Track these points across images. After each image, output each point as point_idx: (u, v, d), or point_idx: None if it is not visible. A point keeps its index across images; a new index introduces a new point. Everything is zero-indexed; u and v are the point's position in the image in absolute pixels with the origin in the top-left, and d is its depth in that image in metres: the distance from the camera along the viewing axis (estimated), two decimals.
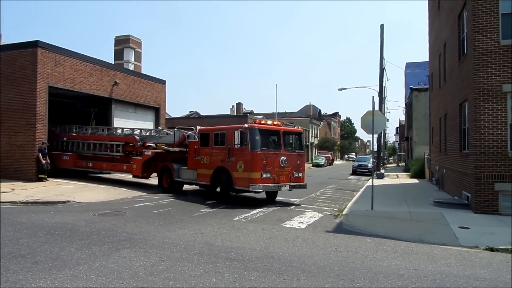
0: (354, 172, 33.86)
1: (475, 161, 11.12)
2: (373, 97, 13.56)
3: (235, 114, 64.26)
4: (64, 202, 12.36)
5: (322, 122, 77.37)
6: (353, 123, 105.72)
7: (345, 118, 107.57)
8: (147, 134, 17.62)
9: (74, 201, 12.53)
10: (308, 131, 62.41)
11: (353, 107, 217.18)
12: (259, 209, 11.79)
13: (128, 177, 19.17)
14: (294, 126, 14.27)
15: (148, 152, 16.11)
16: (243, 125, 12.58)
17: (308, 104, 77.96)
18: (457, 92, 13.75)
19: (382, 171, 30.87)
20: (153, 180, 17.36)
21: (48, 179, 16.99)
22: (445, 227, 9.31)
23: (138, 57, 33.54)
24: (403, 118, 56.85)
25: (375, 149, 33.71)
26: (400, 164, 57.45)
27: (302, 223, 9.84)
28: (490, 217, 10.43)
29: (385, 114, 40.91)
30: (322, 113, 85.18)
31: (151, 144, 16.70)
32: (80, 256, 6.22)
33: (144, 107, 24.33)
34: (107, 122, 21.15)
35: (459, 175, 13.51)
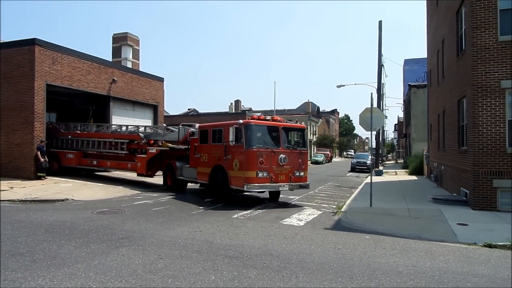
0: (353, 169, 33.90)
1: (474, 158, 11.13)
2: (371, 94, 13.69)
3: (233, 111, 64.22)
4: (62, 200, 12.35)
5: (320, 119, 77.34)
6: (351, 120, 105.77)
7: (343, 115, 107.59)
8: (152, 131, 17.37)
9: (73, 199, 12.52)
10: (307, 128, 62.31)
11: (351, 104, 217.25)
12: (258, 207, 11.79)
13: (128, 175, 19.20)
14: (297, 123, 13.59)
15: (153, 150, 15.84)
16: (238, 121, 12.03)
17: (307, 101, 77.77)
18: (456, 88, 13.75)
19: (380, 168, 30.93)
20: (156, 179, 17.24)
21: (46, 177, 16.96)
22: (443, 224, 9.33)
23: (136, 54, 33.40)
24: (401, 115, 56.89)
25: (374, 146, 33.69)
26: (398, 161, 57.50)
27: (301, 220, 9.85)
28: (489, 213, 10.46)
29: (384, 111, 40.92)
30: (320, 110, 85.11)
31: (157, 142, 16.44)
32: (78, 254, 6.21)
33: (142, 104, 24.29)
34: (105, 120, 21.12)
35: (458, 171, 13.53)
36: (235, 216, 10.14)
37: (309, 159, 51.23)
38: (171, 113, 62.71)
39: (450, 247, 7.32)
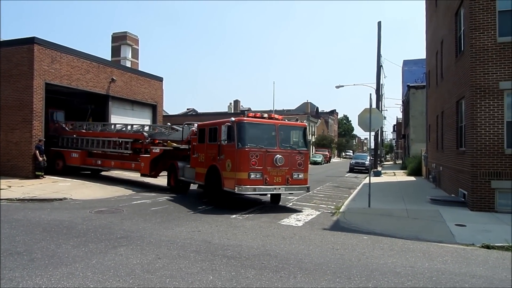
0: (351, 170, 33.92)
1: (472, 159, 11.15)
2: (370, 94, 13.72)
3: (232, 111, 64.22)
4: (61, 199, 12.33)
5: (319, 120, 77.39)
6: (350, 121, 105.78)
7: (342, 115, 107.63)
8: (157, 130, 17.08)
9: (71, 198, 12.50)
10: (307, 127, 62.32)
11: (350, 105, 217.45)
12: (257, 207, 11.79)
13: (132, 175, 18.99)
14: (297, 121, 12.79)
15: (156, 150, 15.47)
16: (230, 118, 11.40)
17: (306, 101, 77.90)
18: (454, 89, 13.77)
19: (379, 168, 30.98)
20: (158, 179, 17.01)
21: (45, 176, 16.94)
22: (441, 225, 9.34)
23: (135, 54, 33.33)
24: (400, 115, 57.00)
25: (372, 146, 33.76)
26: (397, 162, 57.58)
27: (299, 220, 9.85)
28: (487, 214, 10.47)
29: (382, 111, 40.96)
30: (319, 111, 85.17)
31: (162, 141, 16.16)
32: (76, 253, 6.20)
33: (141, 104, 24.28)
34: (104, 119, 21.09)
35: (456, 172, 13.55)
36: (234, 216, 10.14)
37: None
38: (170, 113, 62.70)
39: (448, 248, 7.33)
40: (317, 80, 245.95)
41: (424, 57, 24.67)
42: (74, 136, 19.18)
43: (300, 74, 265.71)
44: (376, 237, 8.06)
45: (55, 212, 9.98)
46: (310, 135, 67.12)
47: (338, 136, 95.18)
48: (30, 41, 17.04)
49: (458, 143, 13.37)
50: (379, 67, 30.76)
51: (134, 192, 14.55)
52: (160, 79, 25.87)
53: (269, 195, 12.46)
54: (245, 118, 11.36)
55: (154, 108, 25.28)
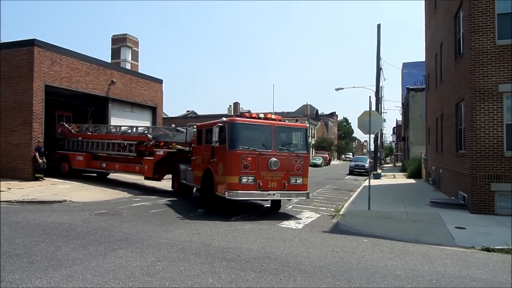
0: (351, 172, 33.93)
1: (471, 161, 11.16)
2: (370, 97, 13.66)
3: (232, 113, 64.22)
4: (60, 201, 12.31)
5: (319, 122, 77.47)
6: (350, 123, 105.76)
7: (342, 118, 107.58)
8: (162, 132, 16.72)
9: (71, 201, 12.49)
10: (308, 128, 62.37)
11: (350, 107, 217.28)
12: (256, 210, 11.78)
13: (132, 177, 18.94)
14: (297, 121, 12.35)
15: (160, 152, 15.15)
16: (222, 118, 10.81)
17: (305, 104, 78.01)
18: (454, 92, 13.79)
19: (379, 171, 30.91)
20: (162, 182, 16.71)
21: (44, 178, 16.92)
22: (441, 227, 9.33)
23: (135, 56, 33.39)
24: (400, 118, 57.03)
25: (372, 149, 33.76)
26: (397, 164, 57.59)
27: (299, 223, 9.84)
28: (487, 217, 10.47)
29: (382, 114, 41.00)
30: (319, 113, 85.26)
31: (167, 143, 15.90)
32: (76, 255, 6.19)
33: (141, 106, 24.30)
34: (104, 121, 21.12)
35: (456, 175, 13.55)
36: (233, 218, 10.13)
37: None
38: (170, 115, 62.73)
39: (448, 250, 7.32)
40: (317, 82, 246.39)
41: (424, 59, 24.72)
42: (80, 138, 19.01)
43: (299, 76, 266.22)
44: (376, 240, 8.05)
45: (55, 214, 9.97)
46: (310, 137, 67.20)
47: (338, 138, 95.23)
48: (30, 43, 17.07)
49: (458, 146, 13.38)
50: (379, 69, 30.76)
51: (133, 195, 14.52)
52: (159, 81, 25.90)
53: (270, 201, 11.78)
54: (237, 118, 10.74)
55: (154, 110, 25.29)
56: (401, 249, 7.32)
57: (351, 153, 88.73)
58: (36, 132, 17.12)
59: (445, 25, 15.54)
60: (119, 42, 32.74)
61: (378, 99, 31.48)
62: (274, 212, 11.52)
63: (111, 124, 20.54)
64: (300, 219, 10.41)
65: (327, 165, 53.23)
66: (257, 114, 11.19)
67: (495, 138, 10.92)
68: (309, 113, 73.11)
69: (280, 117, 11.57)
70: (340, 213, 11.31)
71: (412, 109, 36.27)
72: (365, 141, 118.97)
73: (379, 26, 30.07)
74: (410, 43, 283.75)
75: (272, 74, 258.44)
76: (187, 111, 77.17)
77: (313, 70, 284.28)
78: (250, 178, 10.05)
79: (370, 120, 12.27)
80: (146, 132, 16.95)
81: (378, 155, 38.71)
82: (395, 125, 69.26)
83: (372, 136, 13.85)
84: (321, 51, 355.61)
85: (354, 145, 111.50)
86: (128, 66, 30.65)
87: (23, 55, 17.13)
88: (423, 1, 23.76)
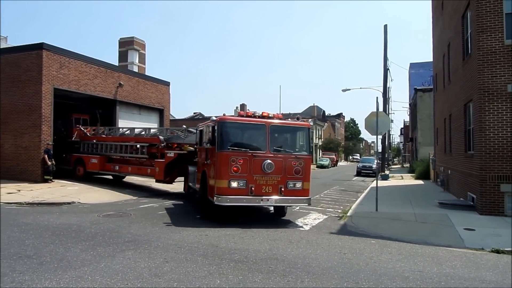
0: (359, 173, 33.80)
1: (480, 162, 11.06)
2: (377, 98, 13.53)
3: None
4: (69, 203, 12.43)
5: (326, 123, 77.26)
6: (357, 124, 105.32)
7: (349, 119, 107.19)
8: (175, 134, 16.50)
9: (79, 202, 12.60)
10: (313, 132, 62.36)
11: (357, 108, 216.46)
12: (263, 212, 11.78)
13: (141, 180, 18.94)
14: (298, 120, 10.90)
15: (171, 154, 14.72)
16: (212, 117, 10.09)
17: (312, 105, 77.86)
18: (462, 92, 13.68)
19: (386, 172, 30.77)
20: (174, 185, 16.44)
21: (53, 180, 17.09)
22: (450, 229, 9.26)
23: (142, 58, 33.63)
24: (407, 118, 56.65)
25: (380, 150, 33.59)
26: (404, 165, 57.23)
27: (306, 224, 9.83)
28: (496, 218, 10.37)
29: (389, 115, 40.75)
30: (326, 114, 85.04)
31: (180, 145, 15.57)
32: (85, 257, 6.25)
33: (148, 108, 24.45)
34: (112, 124, 21.24)
35: (464, 176, 13.44)
36: (240, 220, 10.14)
37: (314, 163, 51.27)
38: (177, 117, 62.97)
39: (457, 252, 7.27)
40: (324, 83, 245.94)
41: (431, 59, 24.56)
42: (94, 141, 18.96)
43: (306, 78, 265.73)
44: (384, 241, 8.01)
45: (64, 216, 10.06)
46: (317, 138, 67.04)
47: (345, 139, 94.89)
48: (39, 47, 17.27)
49: (466, 147, 13.27)
50: (386, 70, 30.64)
51: (141, 196, 14.61)
52: (167, 84, 26.03)
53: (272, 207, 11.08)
54: (227, 117, 9.90)
55: (161, 112, 25.43)
56: (410, 250, 7.28)
57: (358, 154, 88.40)
58: (45, 135, 17.30)
59: (453, 25, 15.43)
60: (126, 45, 33.01)
61: (386, 100, 31.34)
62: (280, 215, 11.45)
63: (119, 126, 20.66)
64: (307, 220, 10.39)
65: (334, 166, 53.09)
66: (254, 112, 10.32)
67: (504, 138, 10.81)
68: (316, 114, 72.96)
69: (280, 115, 10.60)
70: (348, 214, 11.27)
71: (420, 109, 36.02)
72: (373, 142, 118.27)
73: (385, 26, 29.98)
74: (417, 44, 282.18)
75: (279, 76, 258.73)
76: (194, 113, 77.33)
77: (320, 71, 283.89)
78: (241, 182, 9.25)
79: (378, 121, 12.23)
80: (158, 133, 16.83)
81: (386, 156, 38.50)
82: (402, 126, 68.86)
83: (380, 137, 13.77)
84: (328, 51, 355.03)
85: (361, 146, 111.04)
86: (136, 69, 30.87)
87: (32, 58, 17.34)
88: (430, 2, 23.62)
